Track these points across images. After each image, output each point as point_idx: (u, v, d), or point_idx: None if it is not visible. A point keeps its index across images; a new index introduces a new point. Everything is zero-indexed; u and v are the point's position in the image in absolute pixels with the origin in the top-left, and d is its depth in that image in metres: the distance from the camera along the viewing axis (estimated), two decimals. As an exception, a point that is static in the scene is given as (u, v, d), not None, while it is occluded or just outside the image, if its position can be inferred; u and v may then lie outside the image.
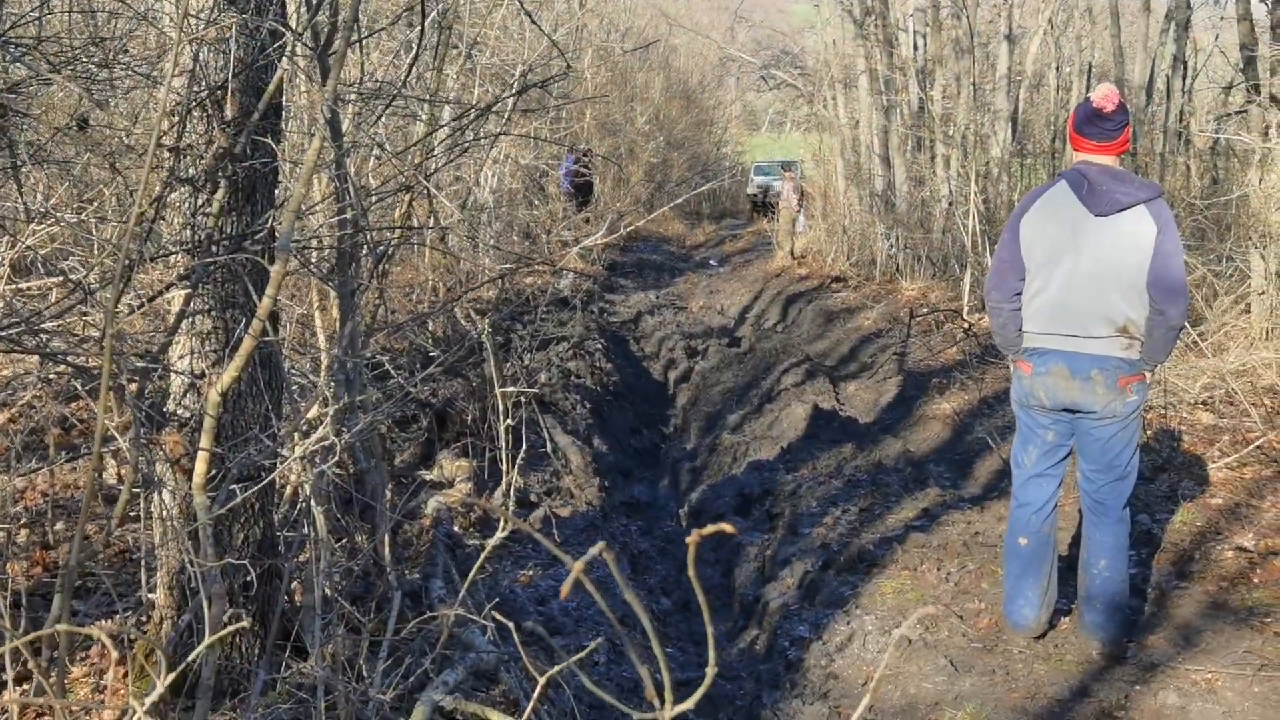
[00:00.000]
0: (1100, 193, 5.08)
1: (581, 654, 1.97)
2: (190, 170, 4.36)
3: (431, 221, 7.76)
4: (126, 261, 3.67)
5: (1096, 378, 5.17)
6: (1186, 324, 9.11)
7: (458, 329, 11.74)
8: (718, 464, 11.32)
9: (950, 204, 18.00)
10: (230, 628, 2.41)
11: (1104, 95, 5.20)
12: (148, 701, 1.94)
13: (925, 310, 15.95)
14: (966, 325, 14.06)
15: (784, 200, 25.83)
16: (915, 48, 20.12)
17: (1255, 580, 6.12)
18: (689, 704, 1.37)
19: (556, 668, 1.88)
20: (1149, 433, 8.51)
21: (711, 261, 29.76)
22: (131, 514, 5.42)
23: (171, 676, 2.05)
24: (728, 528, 1.34)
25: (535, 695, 2.01)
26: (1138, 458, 5.45)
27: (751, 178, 44.09)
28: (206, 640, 2.28)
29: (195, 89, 4.31)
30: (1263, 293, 9.90)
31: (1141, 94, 16.97)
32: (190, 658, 2.32)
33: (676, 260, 30.25)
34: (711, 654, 1.39)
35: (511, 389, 4.56)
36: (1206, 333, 9.89)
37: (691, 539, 1.23)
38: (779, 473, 9.81)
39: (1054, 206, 5.24)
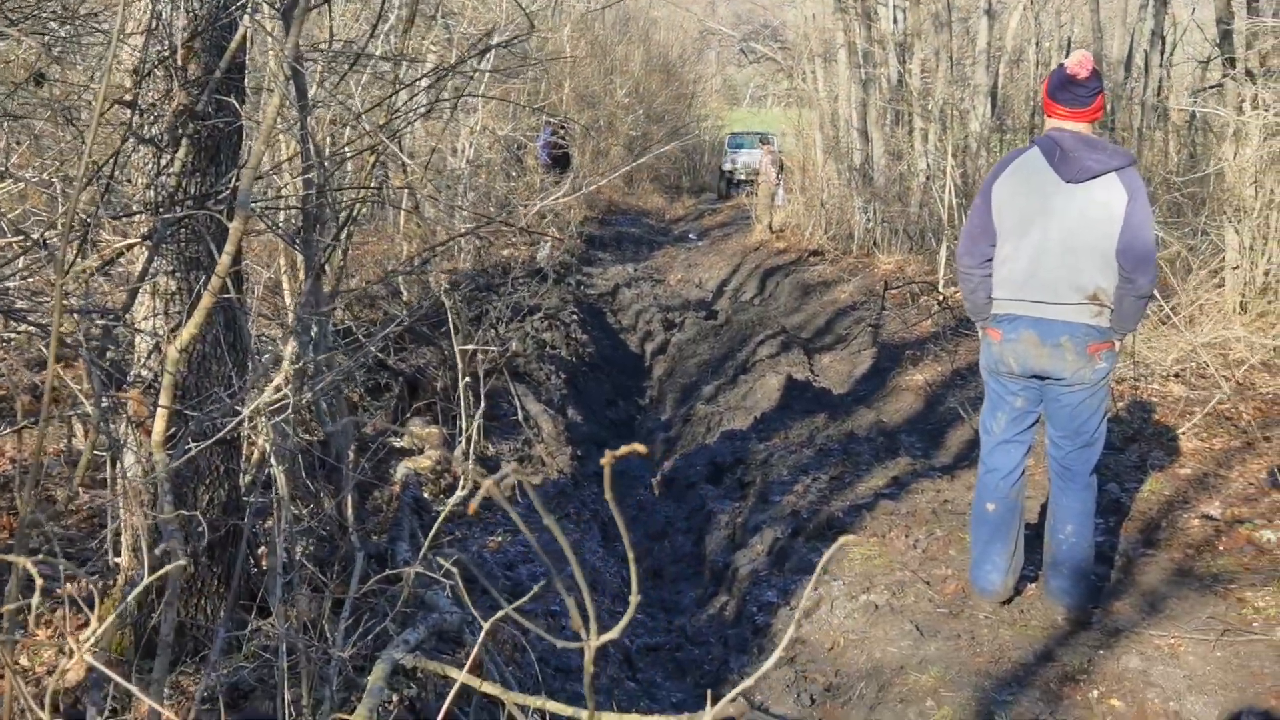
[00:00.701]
0: (1072, 160, 5.06)
1: (524, 599, 1.96)
2: (152, 130, 4.33)
3: (403, 186, 7.70)
4: (79, 214, 3.64)
5: (1066, 344, 5.17)
6: (1159, 297, 9.18)
7: (434, 300, 11.72)
8: (692, 434, 11.35)
9: (928, 178, 18.00)
10: (165, 569, 2.39)
11: (1078, 61, 5.17)
12: (84, 637, 1.92)
13: (901, 283, 15.97)
14: (941, 298, 14.09)
15: (763, 173, 25.76)
16: (894, 21, 20.06)
17: (1221, 548, 6.15)
18: (614, 633, 1.36)
19: (501, 612, 1.87)
20: (1121, 404, 8.54)
21: (690, 235, 29.76)
22: (100, 478, 5.40)
23: (110, 618, 2.04)
24: (640, 448, 1.34)
25: (481, 637, 2.01)
26: (1105, 425, 5.45)
27: (726, 151, 41.24)
28: (146, 580, 2.27)
29: (158, 47, 4.27)
30: (1236, 267, 9.92)
31: (1120, 69, 17.00)
32: (133, 595, 2.31)
33: (655, 234, 30.24)
34: (634, 582, 1.38)
35: (470, 347, 4.53)
36: (1180, 306, 9.91)
37: (606, 460, 1.22)
38: (752, 442, 9.83)
39: (1026, 173, 5.22)
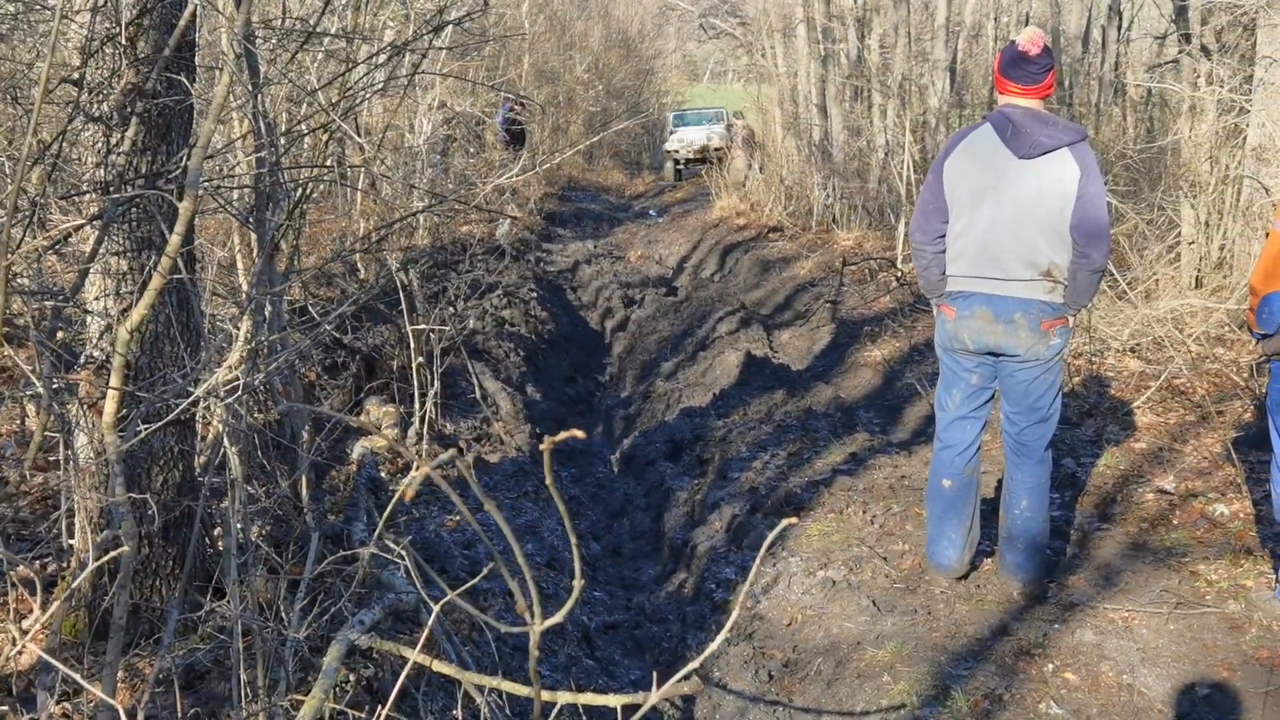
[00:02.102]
0: (1024, 135, 5.06)
1: (473, 581, 1.96)
2: (100, 108, 4.28)
3: (358, 164, 7.65)
4: (23, 189, 3.60)
5: (1020, 321, 5.18)
6: (1116, 272, 9.24)
7: (390, 279, 11.67)
8: (651, 411, 11.33)
9: (887, 154, 18.04)
10: (113, 553, 2.37)
11: (1029, 38, 5.16)
12: (27, 625, 1.90)
13: (860, 260, 16.01)
14: (900, 274, 14.13)
15: (735, 150, 25.62)
16: (854, -3, 20.09)
17: (1175, 522, 6.21)
18: (558, 618, 1.35)
19: (447, 597, 1.86)
20: (1077, 378, 8.60)
21: (650, 211, 29.61)
22: (53, 459, 5.36)
23: (56, 605, 2.01)
24: (578, 433, 1.33)
25: (431, 620, 2.00)
26: (1060, 401, 5.47)
27: (670, 131, 35.90)
28: (90, 567, 2.25)
29: (107, 24, 4.23)
30: (1192, 242, 10.00)
31: (1077, 44, 17.05)
32: (80, 579, 2.29)
33: (615, 210, 30.12)
34: (577, 566, 1.38)
35: (424, 327, 4.51)
36: (1136, 281, 9.97)
37: (545, 445, 1.22)
38: (711, 419, 9.84)
39: (978, 149, 5.21)
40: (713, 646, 1.60)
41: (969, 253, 5.25)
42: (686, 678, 1.75)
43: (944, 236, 5.34)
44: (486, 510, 1.32)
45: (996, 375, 5.45)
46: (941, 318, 5.50)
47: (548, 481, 1.28)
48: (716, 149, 30.91)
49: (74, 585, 2.21)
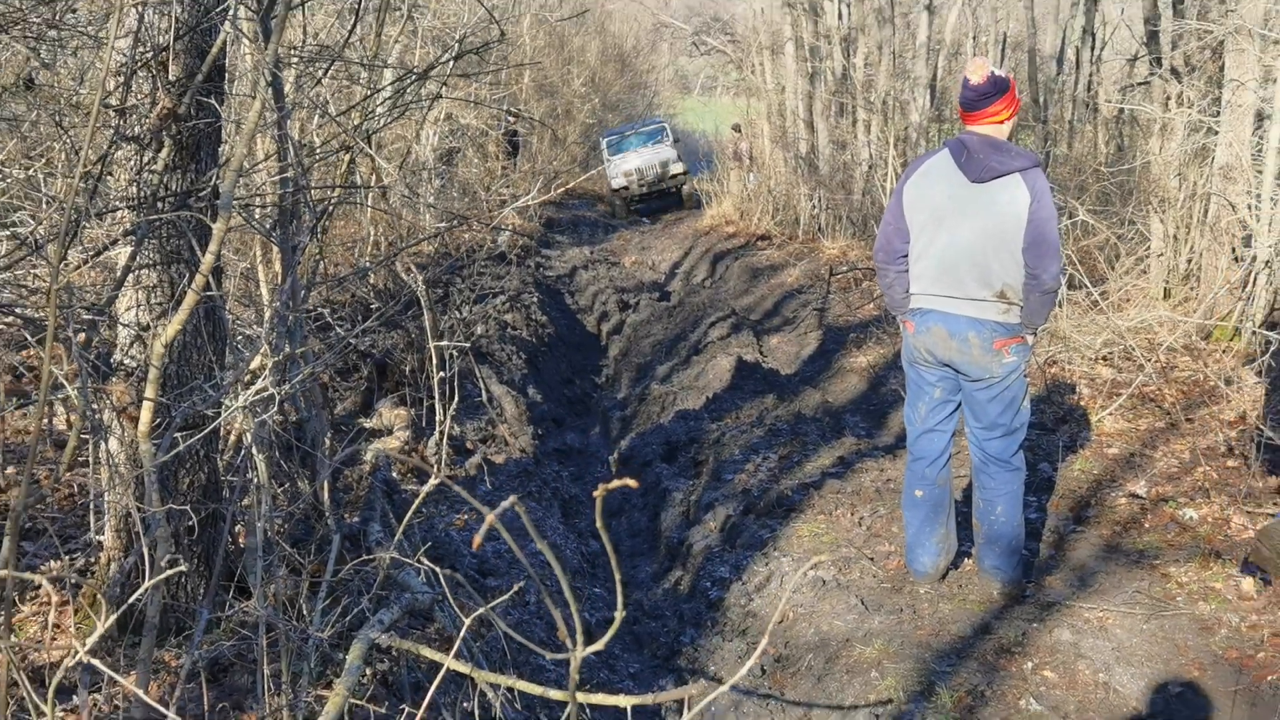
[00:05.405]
0: (977, 160, 5.25)
1: (504, 597, 2.21)
2: (136, 129, 4.49)
3: (373, 180, 7.89)
4: (73, 216, 3.81)
5: (973, 340, 5.39)
6: (1089, 283, 9.50)
7: (399, 283, 11.90)
8: (647, 413, 11.54)
9: (870, 167, 18.45)
10: (169, 571, 2.57)
11: (972, 68, 5.34)
12: (89, 642, 2.10)
13: (845, 268, 16.29)
14: (882, 284, 14.37)
15: (736, 158, 25.81)
16: (840, 16, 20.40)
17: (1146, 525, 6.42)
18: (600, 645, 1.57)
19: (482, 609, 2.09)
20: (1052, 386, 8.81)
21: (644, 219, 29.80)
22: (81, 459, 5.55)
23: (112, 619, 2.21)
24: (631, 482, 1.55)
25: (463, 631, 2.22)
26: (1025, 413, 5.63)
27: (606, 159, 29.56)
28: (148, 583, 2.44)
29: (141, 50, 4.43)
30: (1161, 255, 10.26)
31: (1052, 63, 17.33)
32: (131, 600, 2.48)
33: (610, 217, 30.37)
34: (619, 598, 1.59)
35: (445, 343, 4.74)
36: (1108, 292, 10.21)
37: (598, 492, 1.43)
38: (704, 422, 10.06)
39: (935, 173, 5.42)
40: (745, 669, 1.85)
41: (929, 272, 5.46)
42: (696, 680, 2.00)
43: (905, 257, 5.56)
44: (517, 501, 1.54)
45: (960, 388, 5.68)
46: (905, 333, 5.74)
47: (598, 525, 1.50)
48: (675, 176, 29.20)
49: (130, 600, 2.43)
